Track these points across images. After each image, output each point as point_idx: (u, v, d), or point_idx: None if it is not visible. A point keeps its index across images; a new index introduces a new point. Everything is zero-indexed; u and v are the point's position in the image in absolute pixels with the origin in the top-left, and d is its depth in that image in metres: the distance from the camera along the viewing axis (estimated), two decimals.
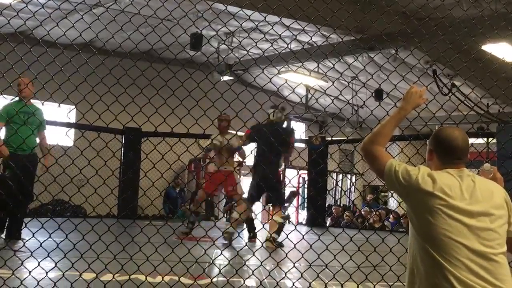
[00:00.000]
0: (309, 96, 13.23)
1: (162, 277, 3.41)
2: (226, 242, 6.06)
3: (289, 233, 3.60)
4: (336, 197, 14.36)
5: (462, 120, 3.98)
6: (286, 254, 3.58)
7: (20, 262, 3.50)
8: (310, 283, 3.54)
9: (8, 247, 4.69)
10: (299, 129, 15.06)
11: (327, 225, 11.51)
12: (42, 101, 3.76)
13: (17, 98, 5.55)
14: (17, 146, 5.27)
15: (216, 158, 7.10)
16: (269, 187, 5.90)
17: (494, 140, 9.09)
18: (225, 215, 11.66)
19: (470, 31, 4.02)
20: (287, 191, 13.44)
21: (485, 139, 9.49)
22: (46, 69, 3.18)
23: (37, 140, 5.90)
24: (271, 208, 6.67)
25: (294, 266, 3.73)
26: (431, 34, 3.95)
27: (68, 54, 3.29)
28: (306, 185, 12.75)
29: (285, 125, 6.65)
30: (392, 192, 2.24)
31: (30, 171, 5.40)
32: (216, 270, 3.74)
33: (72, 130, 9.54)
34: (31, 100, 5.74)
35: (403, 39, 4.25)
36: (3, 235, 5.71)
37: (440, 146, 2.19)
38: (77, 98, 3.40)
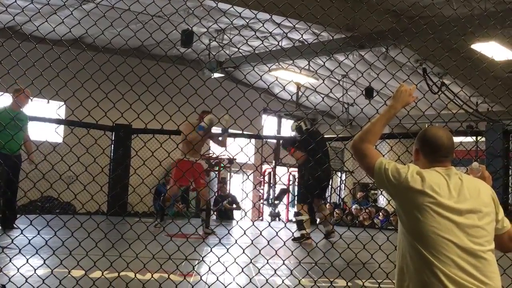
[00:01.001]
0: (300, 93, 13.25)
1: (152, 274, 3.41)
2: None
3: (279, 231, 3.60)
4: (326, 195, 14.37)
5: (451, 118, 4.01)
6: (276, 252, 3.59)
7: (9, 259, 3.48)
8: (299, 280, 3.55)
9: None
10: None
11: (317, 222, 11.51)
12: (31, 97, 3.73)
13: (7, 105, 5.76)
14: (4, 145, 5.53)
15: (187, 146, 6.45)
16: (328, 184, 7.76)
17: (483, 139, 9.15)
18: (214, 213, 11.64)
19: (459, 30, 4.04)
20: (277, 189, 13.50)
21: (474, 137, 9.55)
22: (35, 65, 3.16)
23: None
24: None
25: (283, 263, 3.74)
26: (421, 32, 3.97)
27: (58, 50, 3.27)
28: (296, 183, 12.76)
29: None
30: (381, 190, 2.25)
31: (18, 169, 5.75)
32: (205, 268, 3.73)
33: (62, 127, 9.48)
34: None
35: (393, 38, 4.25)
36: None
37: (426, 145, 2.21)
38: (66, 95, 3.38)
